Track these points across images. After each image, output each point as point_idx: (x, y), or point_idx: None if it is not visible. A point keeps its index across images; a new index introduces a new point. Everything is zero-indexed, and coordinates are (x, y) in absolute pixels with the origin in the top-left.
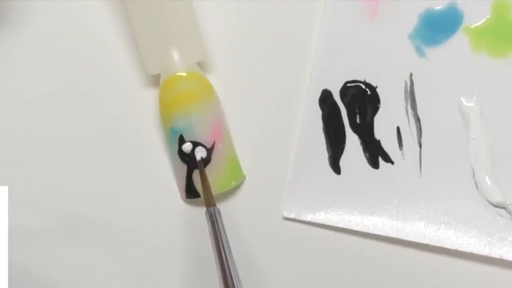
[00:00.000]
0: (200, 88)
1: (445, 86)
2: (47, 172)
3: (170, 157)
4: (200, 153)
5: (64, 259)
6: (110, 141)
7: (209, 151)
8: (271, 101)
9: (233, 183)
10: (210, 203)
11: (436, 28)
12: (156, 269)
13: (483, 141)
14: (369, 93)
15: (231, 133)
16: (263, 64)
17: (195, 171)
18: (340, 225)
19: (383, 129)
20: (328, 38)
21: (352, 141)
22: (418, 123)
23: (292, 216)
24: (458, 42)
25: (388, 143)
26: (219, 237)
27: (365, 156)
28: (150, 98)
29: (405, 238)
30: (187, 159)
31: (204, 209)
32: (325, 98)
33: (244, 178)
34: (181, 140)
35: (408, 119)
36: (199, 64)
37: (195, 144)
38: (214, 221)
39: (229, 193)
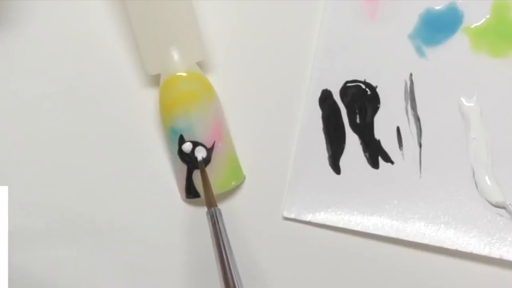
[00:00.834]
0: (200, 88)
1: (445, 86)
2: (47, 172)
3: (170, 157)
4: (200, 153)
5: (64, 259)
6: (110, 141)
7: (209, 151)
8: (271, 101)
9: (233, 183)
10: (211, 204)
11: (436, 28)
12: (156, 269)
13: (483, 141)
14: (369, 93)
15: (231, 133)
16: (263, 64)
17: (195, 171)
18: (340, 225)
19: (383, 129)
20: (328, 38)
21: (352, 141)
22: (418, 123)
23: (292, 216)
24: (458, 42)
25: (388, 143)
26: (220, 237)
27: (365, 156)
28: (150, 98)
29: (405, 238)
30: (187, 159)
31: (204, 209)
32: (325, 98)
33: (244, 178)
34: (181, 140)
35: (408, 119)
36: (199, 64)
37: (195, 144)
38: (215, 221)
39: (229, 193)
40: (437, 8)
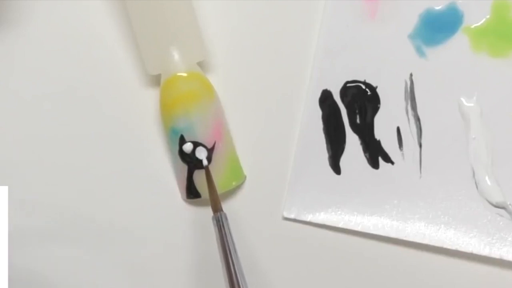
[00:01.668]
0: (200, 88)
1: (445, 86)
2: (47, 172)
3: (171, 157)
4: (200, 154)
5: (64, 260)
6: (110, 141)
7: (210, 151)
8: (271, 101)
9: (234, 183)
10: (217, 208)
11: (436, 28)
12: (156, 269)
13: (483, 141)
14: (369, 93)
15: (231, 133)
16: (263, 64)
17: (196, 171)
18: (340, 225)
19: (383, 129)
20: (328, 38)
21: (352, 141)
22: (418, 123)
23: (292, 216)
24: (458, 42)
25: (388, 143)
26: (225, 242)
27: (365, 156)
28: (150, 98)
29: (405, 238)
30: (188, 159)
31: (205, 209)
32: (325, 98)
33: (245, 178)
34: (182, 140)
35: (408, 119)
36: (200, 64)
37: (196, 144)
38: (221, 226)
39: (229, 193)
40: (437, 8)
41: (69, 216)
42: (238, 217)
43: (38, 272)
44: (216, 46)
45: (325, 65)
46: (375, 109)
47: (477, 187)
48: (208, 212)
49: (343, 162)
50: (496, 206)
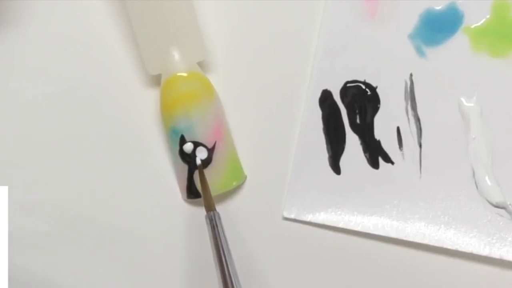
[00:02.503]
0: (200, 88)
1: (445, 86)
2: (47, 172)
3: (171, 157)
4: (201, 154)
5: (64, 260)
6: (110, 141)
7: (210, 151)
8: (271, 101)
9: (234, 183)
10: (210, 207)
11: (436, 28)
12: (157, 270)
13: (483, 141)
14: (369, 93)
15: (231, 133)
16: (263, 64)
17: (196, 171)
18: (340, 225)
19: (383, 129)
20: (328, 38)
21: (352, 141)
22: (418, 123)
23: (292, 216)
24: (458, 42)
25: (388, 143)
26: (219, 241)
27: (365, 156)
28: (150, 98)
29: (405, 238)
30: (188, 159)
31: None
32: (325, 98)
33: (245, 178)
34: (182, 140)
35: (408, 119)
36: (200, 64)
37: (196, 144)
38: (214, 225)
39: (228, 193)
40: (437, 8)
41: (69, 216)
42: (238, 217)
43: (38, 272)
44: (216, 46)
45: (325, 65)
46: (375, 109)
47: (477, 187)
48: None
49: (343, 162)
50: (496, 206)
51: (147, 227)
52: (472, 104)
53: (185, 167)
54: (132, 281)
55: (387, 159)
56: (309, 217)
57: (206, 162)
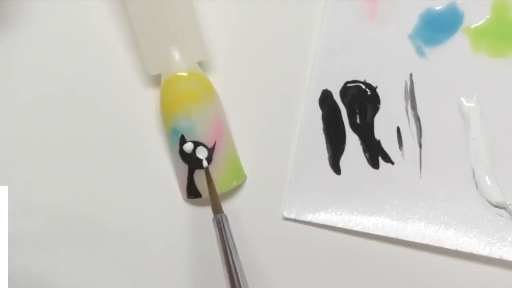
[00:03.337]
0: (201, 88)
1: (445, 86)
2: (47, 172)
3: (171, 157)
4: (201, 153)
5: (64, 260)
6: (110, 141)
7: (210, 151)
8: (271, 101)
9: (234, 183)
10: (217, 210)
11: (436, 28)
12: (157, 270)
13: (483, 141)
14: (369, 93)
15: (231, 133)
16: (263, 64)
17: (196, 171)
18: (340, 225)
19: (383, 129)
20: (328, 38)
21: (352, 141)
22: (418, 123)
23: (292, 216)
24: (458, 42)
25: (388, 143)
26: (226, 243)
27: (365, 156)
28: (150, 98)
29: (405, 238)
30: (188, 159)
31: (205, 209)
32: (325, 98)
33: (245, 177)
34: (182, 140)
35: (408, 119)
36: (200, 64)
37: (196, 144)
38: (221, 228)
39: (228, 193)
40: (437, 8)
41: (69, 216)
42: (238, 217)
43: (38, 272)
44: (216, 46)
45: (325, 65)
46: (375, 109)
47: (477, 187)
48: (208, 212)
49: (343, 162)
50: (496, 206)
51: (147, 227)
52: (472, 104)
53: (185, 167)
54: (132, 281)
55: (387, 159)
56: (309, 217)
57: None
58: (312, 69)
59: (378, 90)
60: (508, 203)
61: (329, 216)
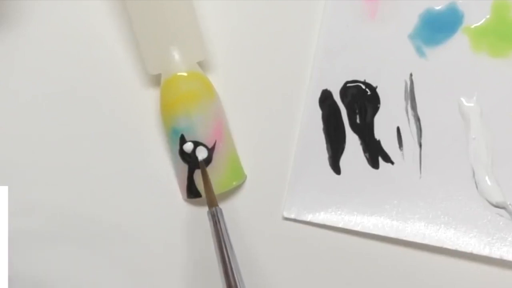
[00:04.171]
0: (201, 88)
1: (445, 86)
2: (47, 172)
3: (171, 157)
4: (201, 153)
5: (64, 260)
6: (110, 141)
7: (210, 151)
8: (271, 101)
9: (234, 182)
10: (212, 203)
11: (436, 28)
12: (157, 269)
13: (483, 141)
14: (369, 93)
15: (231, 133)
16: (263, 64)
17: (196, 170)
18: (340, 225)
19: (383, 129)
20: (328, 38)
21: (352, 141)
22: (418, 123)
23: (292, 216)
24: (458, 42)
25: (388, 143)
26: (221, 237)
27: (365, 156)
28: (150, 98)
29: (405, 238)
30: (188, 159)
31: (205, 208)
32: (325, 98)
33: (245, 177)
34: (182, 140)
35: (408, 119)
36: (200, 64)
37: (196, 144)
38: (216, 221)
39: (229, 193)
40: (437, 8)
41: (69, 216)
42: (238, 216)
43: (38, 272)
44: (216, 46)
45: (325, 65)
46: (375, 109)
47: (477, 187)
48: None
49: (343, 162)
50: (496, 206)
51: (147, 227)
52: (472, 104)
53: (185, 167)
54: (132, 281)
55: (387, 159)
56: (309, 217)
57: (206, 162)
58: (312, 69)
59: (378, 90)
60: (508, 203)
61: (329, 216)
